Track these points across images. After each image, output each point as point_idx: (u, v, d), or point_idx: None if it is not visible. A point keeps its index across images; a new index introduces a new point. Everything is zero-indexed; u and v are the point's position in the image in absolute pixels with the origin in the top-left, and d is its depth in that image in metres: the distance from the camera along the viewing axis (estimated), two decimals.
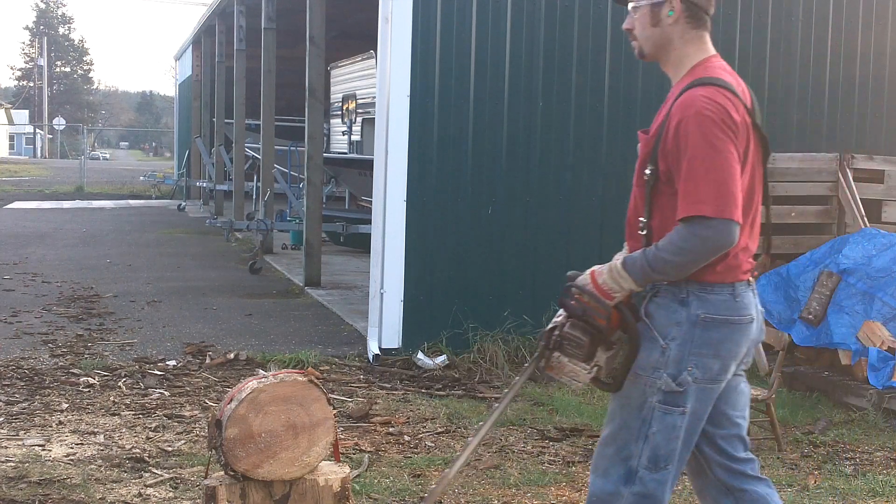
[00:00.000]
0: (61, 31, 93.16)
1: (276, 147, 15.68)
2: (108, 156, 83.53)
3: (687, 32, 2.97)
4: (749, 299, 2.93)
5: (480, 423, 3.26)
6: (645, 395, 2.89)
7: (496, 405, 3.26)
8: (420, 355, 7.49)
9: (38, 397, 6.21)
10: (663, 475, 2.92)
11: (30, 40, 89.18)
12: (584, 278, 2.93)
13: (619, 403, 2.98)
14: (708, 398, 2.93)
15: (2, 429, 5.50)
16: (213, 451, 3.29)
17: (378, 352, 7.58)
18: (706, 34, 3.00)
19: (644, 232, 2.93)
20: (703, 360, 2.86)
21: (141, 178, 33.25)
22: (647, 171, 2.89)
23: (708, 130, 2.75)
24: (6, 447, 5.16)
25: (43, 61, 79.94)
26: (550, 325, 3.02)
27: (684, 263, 2.78)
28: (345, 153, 20.15)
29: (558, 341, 2.95)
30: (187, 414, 5.95)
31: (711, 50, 3.01)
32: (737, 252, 2.88)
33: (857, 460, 5.52)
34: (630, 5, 3.03)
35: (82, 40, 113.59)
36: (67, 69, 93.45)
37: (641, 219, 2.93)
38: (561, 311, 3.00)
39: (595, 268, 2.94)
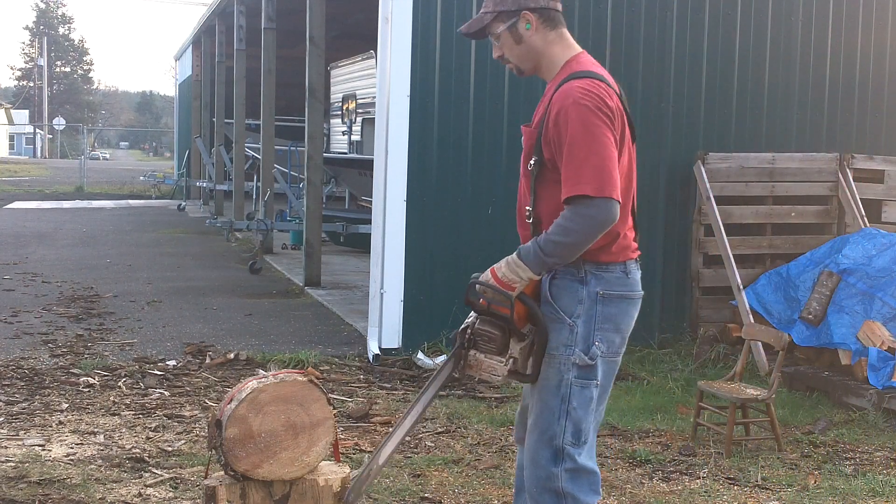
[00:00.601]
0: (61, 31, 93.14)
1: (276, 147, 15.68)
2: (107, 156, 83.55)
3: (548, 36, 3.16)
4: (638, 276, 3.16)
5: (390, 433, 3.28)
6: (561, 373, 3.05)
7: (411, 409, 3.27)
8: (420, 355, 7.49)
9: (38, 397, 6.21)
10: (585, 448, 3.08)
11: (30, 40, 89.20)
12: (486, 275, 3.06)
13: (536, 389, 3.11)
14: (612, 371, 3.14)
15: (2, 429, 5.50)
16: (213, 451, 3.29)
17: (378, 352, 7.58)
18: (564, 30, 3.20)
19: (531, 220, 3.13)
20: (606, 334, 3.07)
21: (141, 178, 33.25)
22: (532, 161, 3.08)
23: (585, 117, 2.93)
24: (6, 447, 5.16)
25: (43, 61, 79.91)
26: (462, 326, 3.15)
27: (573, 244, 2.94)
28: (345, 153, 20.15)
29: (472, 339, 3.10)
30: (187, 414, 5.95)
31: (577, 47, 3.21)
32: (625, 232, 3.10)
33: (857, 460, 5.51)
34: (491, 38, 3.21)
35: (82, 40, 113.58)
36: (67, 69, 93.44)
37: (528, 207, 3.14)
38: (471, 313, 3.14)
39: (495, 265, 3.07)
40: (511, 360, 3.05)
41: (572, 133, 2.92)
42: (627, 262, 3.10)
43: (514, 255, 3.03)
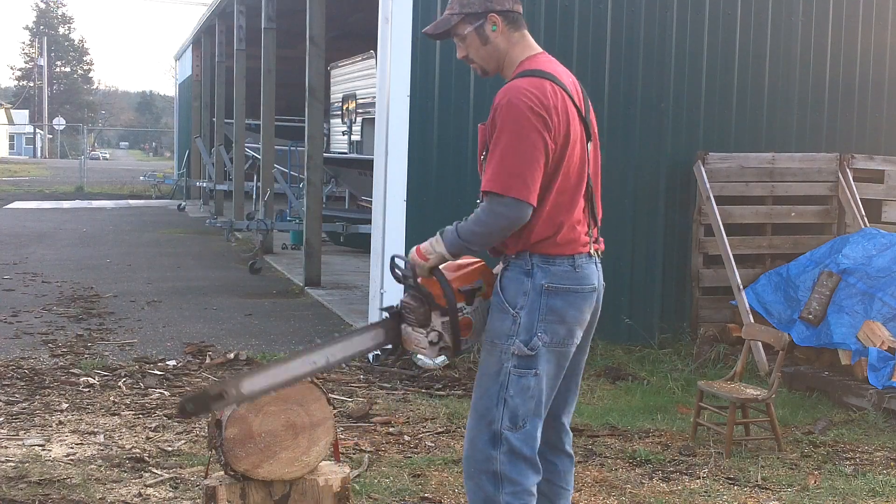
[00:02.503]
0: (61, 31, 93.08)
1: (276, 147, 15.67)
2: (107, 156, 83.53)
3: (511, 37, 3.23)
4: (590, 270, 3.20)
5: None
6: (501, 361, 3.15)
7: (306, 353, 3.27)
8: (420, 355, 7.47)
9: (38, 397, 6.21)
10: (524, 433, 3.16)
11: (30, 40, 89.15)
12: (412, 251, 3.22)
13: (479, 375, 3.25)
14: (558, 361, 3.19)
15: (2, 429, 5.50)
16: (213, 451, 3.29)
17: (378, 352, 7.56)
18: (526, 31, 3.27)
19: None
20: (550, 325, 3.13)
21: (141, 178, 33.28)
22: (484, 155, 3.17)
23: (516, 118, 3.02)
24: (6, 447, 5.16)
25: (43, 61, 79.90)
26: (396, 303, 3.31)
27: (484, 234, 3.08)
28: (345, 153, 20.15)
29: (399, 311, 3.27)
30: None
31: (537, 47, 3.27)
32: (571, 224, 3.16)
33: (857, 460, 5.51)
34: (456, 39, 3.29)
35: (82, 40, 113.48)
36: (67, 69, 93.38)
37: (478, 200, 3.20)
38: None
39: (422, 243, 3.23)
40: (433, 333, 3.18)
41: (500, 130, 3.03)
42: (576, 255, 3.15)
43: (438, 233, 3.19)
